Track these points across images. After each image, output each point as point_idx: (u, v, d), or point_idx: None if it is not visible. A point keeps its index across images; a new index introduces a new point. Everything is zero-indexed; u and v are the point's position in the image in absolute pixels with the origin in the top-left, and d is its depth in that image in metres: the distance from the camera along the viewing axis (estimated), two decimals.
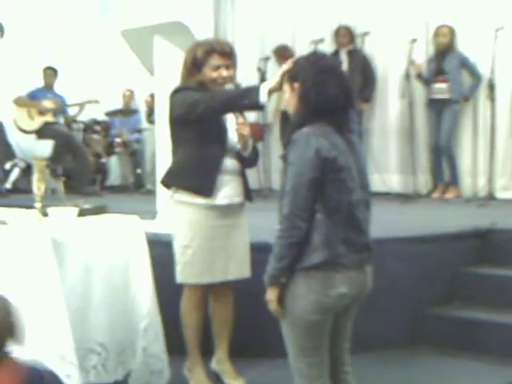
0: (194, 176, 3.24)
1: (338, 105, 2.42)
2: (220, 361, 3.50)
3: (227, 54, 3.27)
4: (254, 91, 2.91)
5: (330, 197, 2.37)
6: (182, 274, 3.30)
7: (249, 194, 3.40)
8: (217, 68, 3.24)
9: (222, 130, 3.29)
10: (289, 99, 2.52)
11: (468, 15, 6.79)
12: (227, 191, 3.28)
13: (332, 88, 2.40)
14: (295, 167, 2.36)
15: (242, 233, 3.38)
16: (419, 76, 6.84)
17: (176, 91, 3.26)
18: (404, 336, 3.95)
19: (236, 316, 3.46)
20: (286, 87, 2.53)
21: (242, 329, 3.51)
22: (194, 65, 3.26)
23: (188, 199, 3.25)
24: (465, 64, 6.70)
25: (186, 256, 3.26)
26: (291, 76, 2.51)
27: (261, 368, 3.64)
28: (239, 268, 3.36)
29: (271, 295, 2.41)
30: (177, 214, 3.31)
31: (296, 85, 2.46)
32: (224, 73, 3.25)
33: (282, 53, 7.39)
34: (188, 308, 3.35)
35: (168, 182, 3.37)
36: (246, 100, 2.95)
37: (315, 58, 2.54)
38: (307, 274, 2.37)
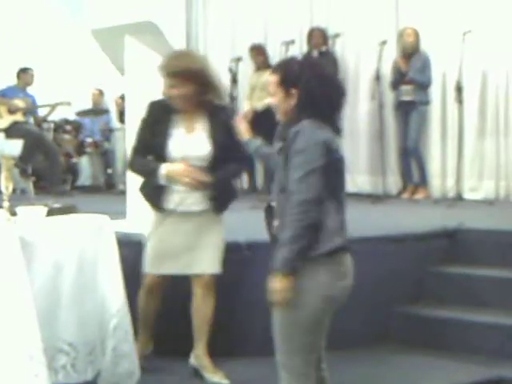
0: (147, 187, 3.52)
1: (337, 107, 2.62)
2: (198, 356, 3.53)
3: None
4: (155, 171, 3.29)
5: (334, 185, 2.46)
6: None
7: (217, 205, 3.43)
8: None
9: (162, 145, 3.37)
10: (280, 104, 2.53)
11: (436, 19, 6.87)
12: (183, 199, 3.35)
13: (330, 92, 2.55)
14: (304, 155, 2.37)
15: (210, 235, 3.44)
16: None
17: None
18: (372, 334, 3.98)
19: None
20: (276, 91, 2.52)
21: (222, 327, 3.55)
22: None
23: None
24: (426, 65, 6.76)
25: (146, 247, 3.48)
26: (286, 81, 2.49)
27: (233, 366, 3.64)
28: (204, 265, 3.43)
29: (284, 283, 2.30)
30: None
31: (293, 90, 2.47)
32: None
33: (259, 51, 7.43)
34: (142, 292, 3.53)
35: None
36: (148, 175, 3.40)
37: (310, 62, 2.64)
38: (316, 267, 2.38)
